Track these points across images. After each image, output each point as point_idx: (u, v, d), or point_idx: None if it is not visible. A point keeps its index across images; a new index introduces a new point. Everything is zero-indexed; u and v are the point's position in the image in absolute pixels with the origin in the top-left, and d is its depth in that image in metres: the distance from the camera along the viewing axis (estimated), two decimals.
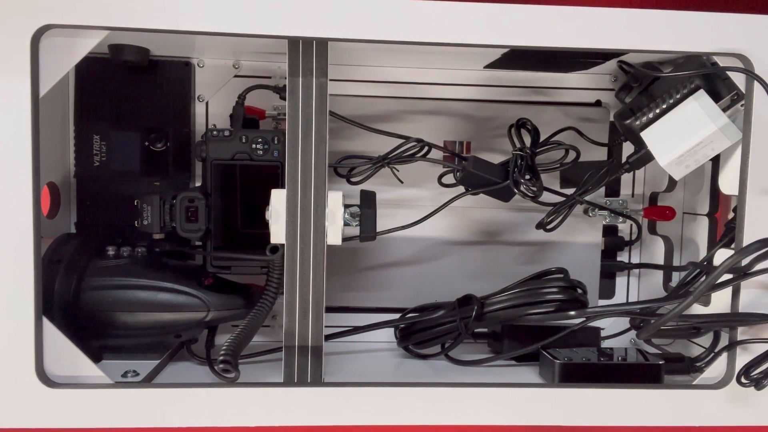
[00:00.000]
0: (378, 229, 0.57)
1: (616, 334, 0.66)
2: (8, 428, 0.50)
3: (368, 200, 0.57)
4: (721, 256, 0.58)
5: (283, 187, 0.53)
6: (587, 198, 0.67)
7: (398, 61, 0.67)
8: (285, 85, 0.52)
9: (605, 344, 0.64)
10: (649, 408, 0.54)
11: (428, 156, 0.62)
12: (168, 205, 0.57)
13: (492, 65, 0.66)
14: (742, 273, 0.52)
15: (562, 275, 0.62)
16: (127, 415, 0.51)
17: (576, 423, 0.54)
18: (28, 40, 0.47)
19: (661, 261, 0.71)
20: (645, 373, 0.57)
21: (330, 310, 0.65)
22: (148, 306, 0.56)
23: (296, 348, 0.54)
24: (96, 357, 0.57)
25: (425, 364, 0.62)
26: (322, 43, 0.51)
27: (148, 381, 0.55)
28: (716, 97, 0.54)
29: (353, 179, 0.62)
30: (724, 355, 0.55)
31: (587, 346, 0.59)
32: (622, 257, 0.73)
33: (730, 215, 0.60)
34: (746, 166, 0.52)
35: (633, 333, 0.65)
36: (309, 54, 0.52)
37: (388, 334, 0.66)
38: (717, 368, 0.56)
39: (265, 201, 0.53)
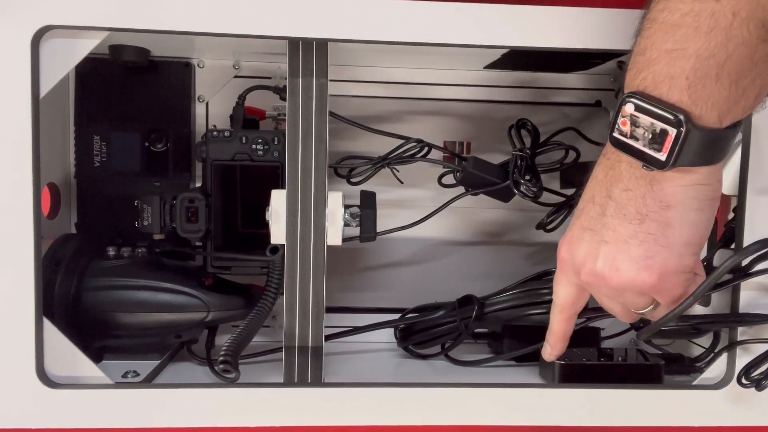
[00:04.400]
0: (378, 230, 0.57)
1: (616, 334, 0.66)
2: (8, 428, 0.50)
3: (368, 200, 0.57)
4: (721, 256, 0.58)
5: (283, 187, 0.53)
6: None
7: (398, 61, 0.67)
8: (285, 86, 0.52)
9: (605, 344, 0.64)
10: (649, 408, 0.54)
11: (428, 156, 0.62)
12: (168, 205, 0.57)
13: (492, 65, 0.66)
14: (742, 273, 0.52)
15: None
16: (127, 415, 0.51)
17: (576, 423, 0.54)
18: (28, 40, 0.47)
19: None
20: (645, 373, 0.57)
21: (330, 310, 0.65)
22: (149, 306, 0.56)
23: (296, 348, 0.54)
24: (96, 357, 0.57)
25: (425, 364, 0.62)
26: (322, 44, 0.51)
27: (149, 381, 0.55)
28: None
29: (353, 180, 0.62)
30: (724, 355, 0.55)
31: (587, 346, 0.59)
32: None
33: (730, 215, 0.60)
34: (746, 166, 0.52)
35: (633, 333, 0.65)
36: (309, 55, 0.52)
37: (388, 334, 0.66)
38: (717, 368, 0.56)
39: (265, 201, 0.53)
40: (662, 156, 0.37)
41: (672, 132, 0.37)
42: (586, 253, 0.43)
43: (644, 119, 0.38)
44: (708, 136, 0.37)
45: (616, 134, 0.40)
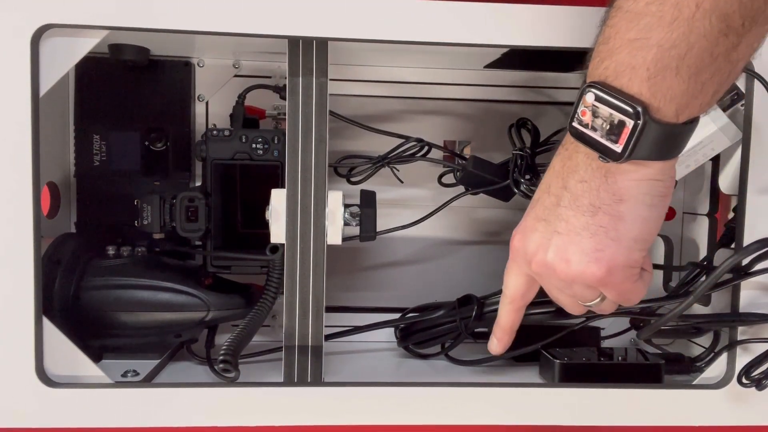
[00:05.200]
0: (378, 229, 0.57)
1: (616, 334, 0.66)
2: (8, 428, 0.50)
3: (368, 200, 0.57)
4: (721, 256, 0.58)
5: (283, 186, 0.53)
6: None
7: (398, 61, 0.67)
8: (285, 85, 0.52)
9: (605, 344, 0.64)
10: (649, 408, 0.54)
11: (428, 156, 0.62)
12: (168, 204, 0.57)
13: (492, 65, 0.66)
14: (742, 273, 0.52)
15: None
16: (127, 415, 0.51)
17: (576, 423, 0.54)
18: (28, 40, 0.47)
19: (661, 261, 0.71)
20: (645, 373, 0.57)
21: (330, 309, 0.65)
22: (148, 306, 0.56)
23: (296, 348, 0.54)
24: (96, 357, 0.57)
25: (425, 364, 0.62)
26: (322, 43, 0.51)
27: (148, 381, 0.55)
28: None
29: (353, 179, 0.62)
30: (724, 355, 0.55)
31: (587, 346, 0.59)
32: None
33: (730, 215, 0.60)
34: (746, 166, 0.52)
35: (633, 333, 0.65)
36: (309, 54, 0.52)
37: (388, 334, 0.66)
38: (717, 368, 0.56)
39: (265, 201, 0.53)
40: (618, 147, 0.38)
41: (629, 124, 0.37)
42: (538, 244, 0.43)
43: (603, 109, 0.38)
44: (664, 131, 0.37)
45: (575, 124, 0.40)
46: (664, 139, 0.37)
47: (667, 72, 0.35)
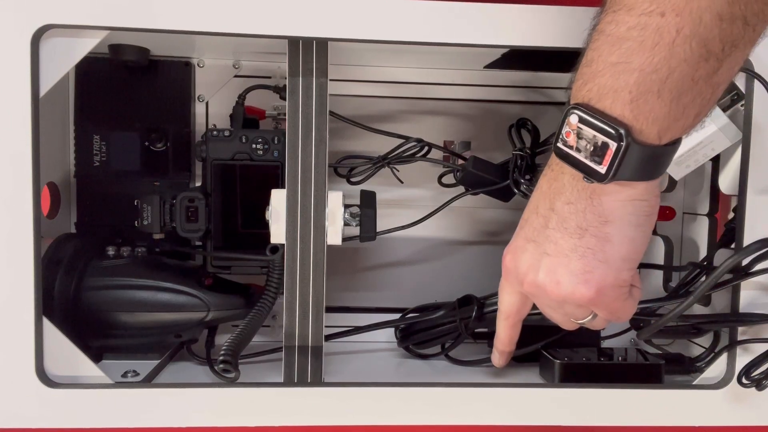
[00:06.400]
0: (378, 229, 0.57)
1: (616, 334, 0.66)
2: (8, 428, 0.50)
3: (368, 200, 0.57)
4: (721, 256, 0.58)
5: (283, 187, 0.53)
6: None
7: (398, 61, 0.67)
8: (285, 85, 0.52)
9: (605, 344, 0.64)
10: (649, 408, 0.54)
11: (428, 156, 0.62)
12: (168, 205, 0.57)
13: (492, 65, 0.66)
14: (742, 273, 0.52)
15: None
16: (127, 415, 0.51)
17: (576, 423, 0.54)
18: (28, 40, 0.47)
19: (661, 261, 0.71)
20: (645, 373, 0.57)
21: (330, 310, 0.65)
22: (148, 306, 0.56)
23: (296, 348, 0.54)
24: (96, 357, 0.57)
25: (425, 364, 0.62)
26: (322, 43, 0.51)
27: (148, 381, 0.55)
28: None
29: (353, 179, 0.62)
30: (724, 355, 0.55)
31: (587, 346, 0.59)
32: None
33: (730, 215, 0.60)
34: (746, 166, 0.52)
35: (633, 333, 0.65)
36: (309, 54, 0.52)
37: (388, 334, 0.66)
38: (717, 368, 0.56)
39: (265, 201, 0.53)
40: (602, 168, 0.38)
41: (612, 145, 0.37)
42: (528, 264, 0.44)
43: (587, 131, 0.38)
44: (647, 152, 0.38)
45: (560, 145, 0.40)
46: (647, 160, 0.38)
47: (649, 95, 0.36)
